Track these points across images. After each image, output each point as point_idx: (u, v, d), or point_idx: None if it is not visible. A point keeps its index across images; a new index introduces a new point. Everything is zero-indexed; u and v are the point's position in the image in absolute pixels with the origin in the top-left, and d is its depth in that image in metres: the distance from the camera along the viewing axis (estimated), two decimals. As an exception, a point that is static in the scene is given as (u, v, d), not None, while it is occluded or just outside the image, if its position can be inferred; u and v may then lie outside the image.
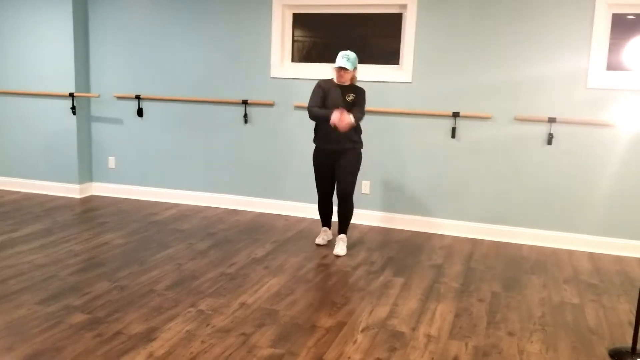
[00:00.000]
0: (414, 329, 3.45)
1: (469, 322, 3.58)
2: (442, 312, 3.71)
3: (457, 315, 3.67)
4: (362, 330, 3.42)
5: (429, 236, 5.35)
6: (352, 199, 4.75)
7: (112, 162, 6.38)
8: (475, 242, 5.22)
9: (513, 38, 5.06)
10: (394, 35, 5.46)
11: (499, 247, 5.10)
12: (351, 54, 4.54)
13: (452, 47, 5.22)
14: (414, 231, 5.49)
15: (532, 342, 3.35)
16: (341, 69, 4.54)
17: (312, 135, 4.83)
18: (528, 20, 5.01)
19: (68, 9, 5.96)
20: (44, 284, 3.92)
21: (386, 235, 5.31)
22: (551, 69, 5.01)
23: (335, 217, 5.01)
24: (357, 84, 4.72)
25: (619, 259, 4.92)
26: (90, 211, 5.83)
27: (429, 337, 3.37)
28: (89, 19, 6.17)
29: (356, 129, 4.67)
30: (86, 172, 6.38)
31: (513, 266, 4.64)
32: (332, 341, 3.27)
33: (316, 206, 5.63)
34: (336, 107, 4.51)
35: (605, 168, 5.00)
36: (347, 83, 4.63)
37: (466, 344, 3.30)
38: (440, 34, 5.24)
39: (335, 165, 4.69)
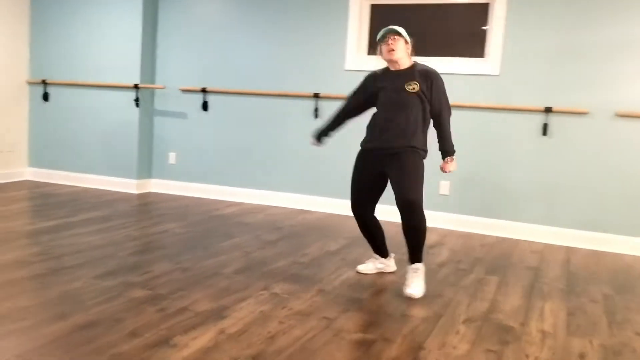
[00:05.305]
0: (523, 324, 2.95)
1: (587, 321, 3.05)
2: (552, 310, 3.18)
3: (570, 314, 3.14)
4: (463, 322, 2.93)
5: (515, 242, 4.81)
6: (417, 208, 3.24)
7: (172, 157, 6.09)
8: (569, 250, 4.66)
9: (612, 25, 4.60)
10: (478, 26, 5.08)
11: (597, 256, 4.52)
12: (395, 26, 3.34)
13: (544, 36, 4.79)
14: (498, 237, 4.95)
15: (669, 344, 2.81)
16: (390, 34, 3.28)
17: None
18: (629, 4, 4.55)
19: (138, 0, 5.84)
20: (101, 262, 3.58)
21: (468, 239, 4.80)
22: (659, 59, 4.53)
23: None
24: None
25: None
26: (148, 204, 5.53)
27: (543, 332, 2.86)
28: (158, 9, 6.00)
29: (418, 133, 3.32)
30: (145, 167, 6.11)
31: (619, 272, 4.07)
32: (430, 331, 2.80)
33: (389, 208, 5.13)
34: (393, 103, 3.32)
35: None
36: (401, 65, 3.33)
37: (590, 342, 2.77)
38: (531, 23, 4.82)
39: (387, 173, 3.36)
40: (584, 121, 4.75)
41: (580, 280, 3.82)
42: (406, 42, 3.34)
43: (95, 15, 6.02)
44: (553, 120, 4.83)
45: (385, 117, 3.35)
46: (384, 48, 3.32)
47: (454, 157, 3.39)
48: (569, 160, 4.81)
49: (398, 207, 3.27)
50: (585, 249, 4.72)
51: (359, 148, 3.50)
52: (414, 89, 3.27)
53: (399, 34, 3.29)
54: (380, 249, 3.65)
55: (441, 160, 3.40)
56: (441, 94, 3.33)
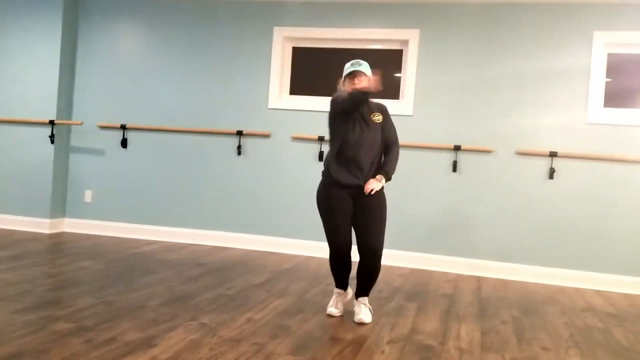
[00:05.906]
0: (442, 343, 3.13)
1: (499, 339, 3.28)
2: (468, 331, 3.40)
3: (484, 333, 3.36)
4: (388, 343, 3.08)
5: (430, 273, 5.06)
6: (380, 255, 3.47)
7: (88, 195, 5.95)
8: (479, 279, 4.96)
9: (515, 72, 5.08)
10: (394, 69, 5.43)
11: (505, 284, 4.84)
12: (361, 60, 3.55)
13: (453, 81, 5.20)
14: (413, 268, 5.19)
15: (570, 356, 3.08)
16: (357, 74, 3.45)
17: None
18: (530, 55, 5.05)
19: (57, 34, 5.74)
20: (18, 298, 3.45)
21: (386, 271, 4.95)
22: (552, 104, 5.02)
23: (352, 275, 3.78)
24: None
25: (628, 297, 4.72)
26: (62, 243, 5.35)
27: (460, 349, 3.05)
28: (77, 42, 5.95)
29: (380, 159, 3.54)
30: (59, 206, 5.91)
31: (525, 297, 4.39)
32: (357, 351, 2.92)
33: (313, 243, 5.33)
34: (361, 135, 3.41)
35: (608, 203, 4.91)
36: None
37: (502, 356, 2.99)
38: (441, 68, 5.22)
39: (357, 208, 3.46)
40: (489, 158, 5.14)
41: (491, 305, 4.09)
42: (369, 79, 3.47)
43: (10, 48, 5.88)
44: (462, 158, 5.19)
45: (355, 149, 3.41)
46: (349, 84, 3.46)
47: (385, 179, 3.46)
48: (477, 195, 5.17)
49: (360, 251, 3.42)
50: (494, 278, 5.04)
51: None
52: (379, 119, 3.46)
53: (364, 74, 3.45)
54: (346, 282, 3.66)
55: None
56: (393, 125, 3.56)
